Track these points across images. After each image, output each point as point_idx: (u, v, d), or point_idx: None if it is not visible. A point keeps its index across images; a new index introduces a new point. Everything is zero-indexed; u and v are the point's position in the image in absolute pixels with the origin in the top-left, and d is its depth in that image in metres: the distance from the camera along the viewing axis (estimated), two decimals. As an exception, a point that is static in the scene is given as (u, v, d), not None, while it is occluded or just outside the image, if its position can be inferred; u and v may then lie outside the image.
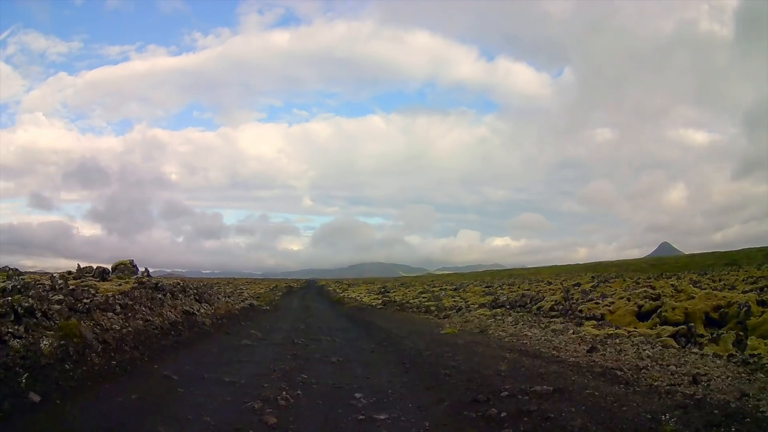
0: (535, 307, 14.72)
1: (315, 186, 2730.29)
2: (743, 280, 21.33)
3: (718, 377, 6.08)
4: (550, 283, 30.15)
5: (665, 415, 4.46)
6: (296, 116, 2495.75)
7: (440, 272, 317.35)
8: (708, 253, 71.58)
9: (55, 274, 10.81)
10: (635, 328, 10.31)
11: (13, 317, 5.36)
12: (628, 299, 12.07)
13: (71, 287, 7.83)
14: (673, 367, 6.71)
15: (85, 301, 7.14)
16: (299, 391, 5.82)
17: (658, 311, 10.70)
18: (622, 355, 7.87)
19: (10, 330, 5.15)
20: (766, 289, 13.33)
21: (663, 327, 9.67)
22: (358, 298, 30.13)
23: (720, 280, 22.81)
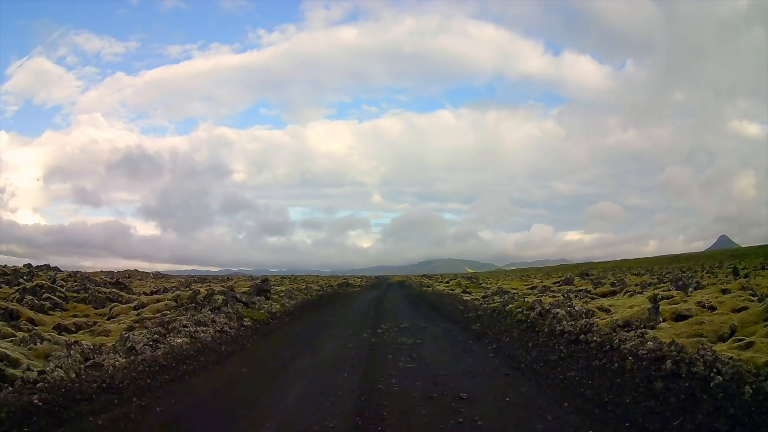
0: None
1: (385, 182, 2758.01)
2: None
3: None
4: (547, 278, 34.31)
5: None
6: (366, 112, 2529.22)
7: (508, 268, 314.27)
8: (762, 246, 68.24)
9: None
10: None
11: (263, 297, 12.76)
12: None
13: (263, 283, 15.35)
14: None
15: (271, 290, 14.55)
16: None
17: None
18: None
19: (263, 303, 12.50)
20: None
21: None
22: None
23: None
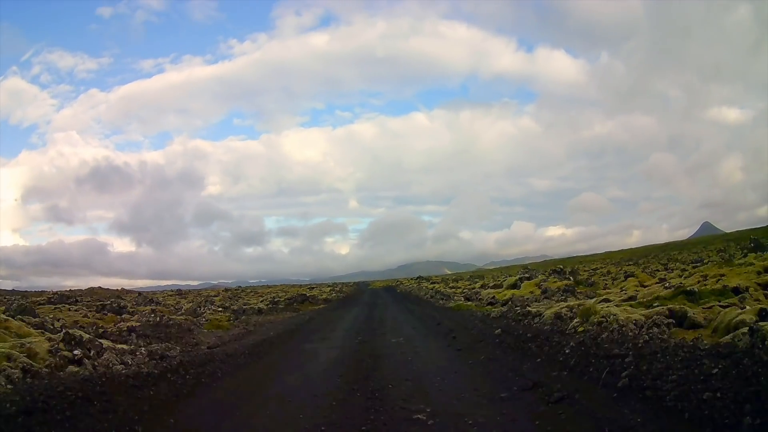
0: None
1: (361, 187, 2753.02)
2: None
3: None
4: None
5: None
6: (339, 118, 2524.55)
7: (488, 267, 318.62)
8: (747, 230, 72.60)
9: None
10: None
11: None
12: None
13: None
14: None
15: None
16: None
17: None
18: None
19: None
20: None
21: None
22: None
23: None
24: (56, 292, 24.71)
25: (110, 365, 6.83)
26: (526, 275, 20.02)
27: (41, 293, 28.61)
